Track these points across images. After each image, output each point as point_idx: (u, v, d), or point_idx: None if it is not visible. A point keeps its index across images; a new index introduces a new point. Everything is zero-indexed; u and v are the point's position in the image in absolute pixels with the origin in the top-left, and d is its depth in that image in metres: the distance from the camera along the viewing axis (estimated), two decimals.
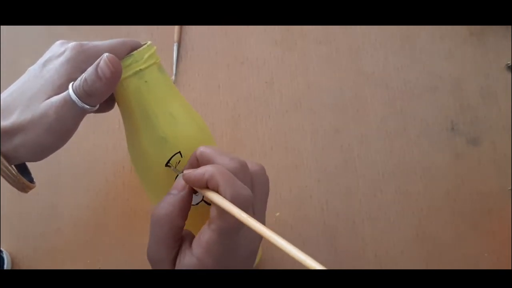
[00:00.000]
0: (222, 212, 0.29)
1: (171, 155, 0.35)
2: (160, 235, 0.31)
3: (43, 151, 0.34)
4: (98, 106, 0.34)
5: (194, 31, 0.56)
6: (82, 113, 0.33)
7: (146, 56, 0.34)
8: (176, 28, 0.55)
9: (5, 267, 0.48)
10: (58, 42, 0.37)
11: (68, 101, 0.32)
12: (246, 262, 0.33)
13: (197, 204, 0.37)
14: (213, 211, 0.30)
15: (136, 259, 0.49)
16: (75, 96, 0.32)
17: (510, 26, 0.54)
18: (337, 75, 0.54)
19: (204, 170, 0.30)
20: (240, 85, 0.54)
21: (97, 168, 0.52)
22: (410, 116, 0.52)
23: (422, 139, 0.51)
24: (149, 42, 0.36)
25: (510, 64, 0.53)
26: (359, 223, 0.49)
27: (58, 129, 0.33)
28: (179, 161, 0.36)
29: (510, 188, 0.49)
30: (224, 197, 0.29)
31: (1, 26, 0.57)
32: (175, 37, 0.55)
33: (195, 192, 0.33)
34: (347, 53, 0.55)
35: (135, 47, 0.35)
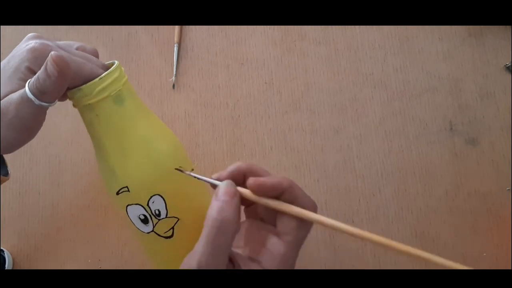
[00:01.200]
0: (302, 223, 0.30)
1: (119, 188, 0.35)
2: (223, 242, 0.29)
3: (8, 146, 0.35)
4: (56, 102, 0.34)
5: (194, 31, 0.56)
6: (41, 109, 0.34)
7: (96, 90, 0.33)
8: (176, 28, 0.56)
9: (6, 267, 0.48)
10: (28, 36, 0.37)
11: (25, 98, 0.33)
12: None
13: (148, 233, 0.37)
14: (290, 223, 0.30)
15: (136, 259, 0.50)
16: (31, 94, 0.32)
17: (509, 27, 0.54)
18: (336, 76, 0.54)
19: (281, 180, 0.30)
20: (240, 86, 0.54)
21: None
22: (409, 116, 0.52)
23: (420, 139, 0.52)
24: (115, 65, 0.34)
25: (509, 64, 0.53)
26: (358, 223, 0.49)
27: (19, 125, 0.33)
28: (192, 169, 0.36)
29: (508, 188, 0.50)
30: (304, 207, 0.30)
31: (1, 26, 0.57)
32: (176, 38, 0.55)
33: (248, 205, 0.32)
34: (346, 53, 0.55)
35: (89, 78, 0.34)
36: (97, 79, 0.33)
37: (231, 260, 0.30)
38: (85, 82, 0.33)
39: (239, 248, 0.32)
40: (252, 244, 0.32)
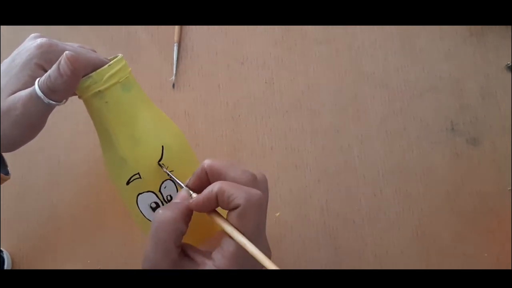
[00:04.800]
0: None
1: (130, 175, 0.35)
2: (162, 237, 0.31)
3: (11, 143, 0.35)
4: (64, 101, 0.34)
5: (194, 31, 0.56)
6: (49, 108, 0.34)
7: (106, 76, 0.34)
8: (176, 28, 0.56)
9: (5, 267, 0.48)
10: (31, 35, 0.37)
11: (34, 96, 0.33)
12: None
13: None
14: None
15: (136, 259, 0.49)
16: (40, 92, 0.32)
17: (509, 26, 0.54)
18: (337, 75, 0.54)
19: (212, 187, 0.31)
20: (240, 85, 0.54)
21: (97, 168, 0.52)
22: (410, 116, 0.52)
23: (422, 139, 0.51)
24: (119, 56, 0.35)
25: (510, 64, 0.53)
26: (359, 223, 0.49)
27: (25, 123, 0.34)
28: (167, 167, 0.36)
29: (509, 188, 0.49)
30: (239, 203, 0.30)
31: (1, 26, 0.57)
32: (175, 37, 0.55)
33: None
34: (347, 53, 0.55)
35: (98, 66, 0.35)
36: (106, 66, 0.34)
37: (188, 255, 0.32)
38: (94, 71, 0.34)
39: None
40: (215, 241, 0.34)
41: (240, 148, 0.52)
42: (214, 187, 0.31)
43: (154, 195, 0.36)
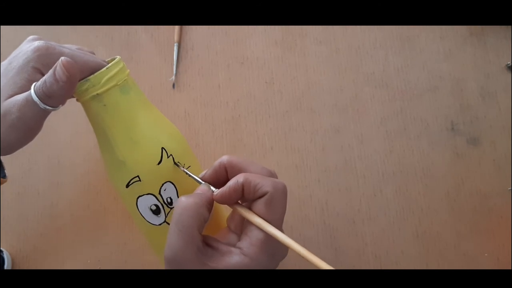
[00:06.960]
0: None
1: (130, 178, 0.35)
2: (186, 223, 0.31)
3: (8, 147, 0.35)
4: (60, 106, 0.34)
5: (194, 31, 0.56)
6: (44, 113, 0.34)
7: (104, 79, 0.34)
8: (176, 28, 0.55)
9: (5, 267, 0.48)
10: (29, 38, 0.37)
11: (30, 101, 0.33)
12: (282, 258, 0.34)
13: (160, 224, 0.37)
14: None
15: (136, 259, 0.49)
16: (36, 97, 0.32)
17: (510, 26, 0.54)
18: (337, 75, 0.54)
19: (237, 178, 0.32)
20: (240, 85, 0.54)
21: (97, 168, 0.52)
22: (410, 116, 0.52)
23: (422, 139, 0.51)
24: (117, 58, 0.35)
25: (510, 64, 0.53)
26: (359, 223, 0.49)
27: (21, 127, 0.33)
28: (182, 164, 0.36)
29: (510, 188, 0.49)
30: (266, 191, 0.31)
31: (1, 26, 0.57)
32: (175, 37, 0.55)
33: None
34: (347, 53, 0.55)
35: (96, 69, 0.35)
36: (104, 68, 0.34)
37: (210, 245, 0.32)
38: (92, 74, 0.34)
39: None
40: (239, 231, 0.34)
41: (240, 148, 0.52)
42: (239, 178, 0.31)
43: (154, 197, 0.36)
